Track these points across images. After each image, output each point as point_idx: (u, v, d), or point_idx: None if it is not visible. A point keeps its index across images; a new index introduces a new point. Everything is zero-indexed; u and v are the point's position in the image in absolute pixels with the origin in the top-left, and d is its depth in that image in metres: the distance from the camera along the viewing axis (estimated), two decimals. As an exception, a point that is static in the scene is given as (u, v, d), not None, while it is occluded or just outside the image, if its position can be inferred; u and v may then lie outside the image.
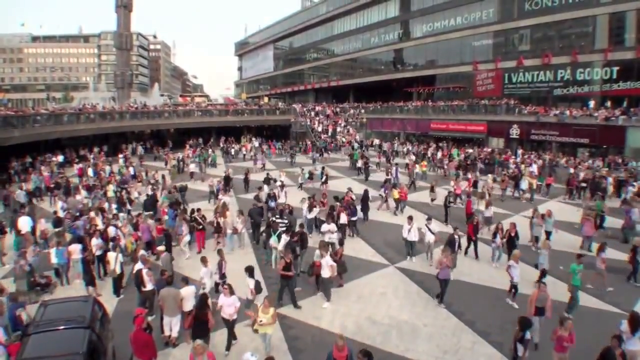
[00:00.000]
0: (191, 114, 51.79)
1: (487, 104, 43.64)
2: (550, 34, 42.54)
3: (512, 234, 14.82)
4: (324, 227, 15.34)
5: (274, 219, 15.86)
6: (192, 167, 32.10)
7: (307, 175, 28.59)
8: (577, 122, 34.72)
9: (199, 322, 9.21)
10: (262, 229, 16.70)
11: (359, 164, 33.68)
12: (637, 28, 36.04)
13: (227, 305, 9.83)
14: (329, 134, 52.42)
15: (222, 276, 12.37)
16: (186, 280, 10.70)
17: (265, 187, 22.92)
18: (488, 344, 10.26)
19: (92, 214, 17.96)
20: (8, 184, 27.22)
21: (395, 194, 22.19)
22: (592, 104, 36.98)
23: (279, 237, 14.29)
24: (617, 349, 8.17)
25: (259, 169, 34.14)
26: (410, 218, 15.45)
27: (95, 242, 14.04)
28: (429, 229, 15.20)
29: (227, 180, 25.81)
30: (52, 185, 25.42)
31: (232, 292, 9.93)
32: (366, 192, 20.63)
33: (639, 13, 35.61)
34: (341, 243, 14.15)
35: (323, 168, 28.49)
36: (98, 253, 13.79)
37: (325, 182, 26.39)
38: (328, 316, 11.66)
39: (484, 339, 10.40)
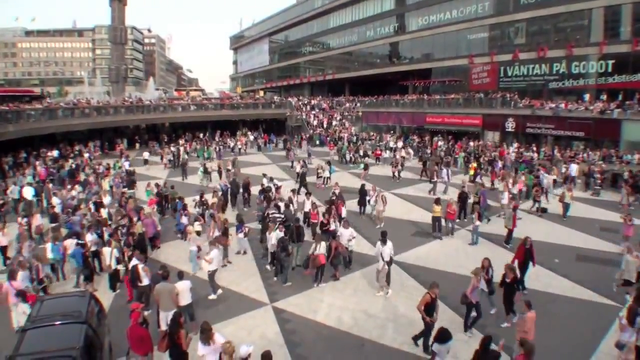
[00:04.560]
0: (186, 108, 51.59)
1: (483, 97, 43.62)
2: (546, 27, 42.48)
3: (509, 280, 10.72)
4: (344, 232, 14.18)
5: (272, 213, 15.89)
6: (146, 155, 35.57)
7: (362, 166, 29.51)
8: (572, 116, 34.80)
9: (174, 345, 8.22)
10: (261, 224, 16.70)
11: (347, 157, 35.87)
12: (632, 21, 36.01)
13: (210, 353, 8.04)
14: (324, 127, 52.44)
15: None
16: (181, 275, 10.70)
17: (265, 180, 22.90)
18: (484, 336, 10.32)
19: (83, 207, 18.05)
20: (2, 179, 27.12)
21: (438, 210, 17.19)
22: (587, 97, 36.99)
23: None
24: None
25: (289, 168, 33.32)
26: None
27: (90, 237, 14.03)
28: (381, 254, 12.21)
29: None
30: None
31: (210, 337, 7.98)
32: (363, 186, 20.66)
33: (634, 6, 35.54)
34: (334, 236, 14.14)
35: (329, 163, 28.70)
36: (93, 249, 13.77)
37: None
38: (324, 310, 11.70)
39: (480, 332, 10.44)
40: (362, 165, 29.71)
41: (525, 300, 9.13)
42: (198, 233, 15.16)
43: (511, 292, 10.78)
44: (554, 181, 24.89)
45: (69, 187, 23.06)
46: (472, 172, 27.35)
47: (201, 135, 48.86)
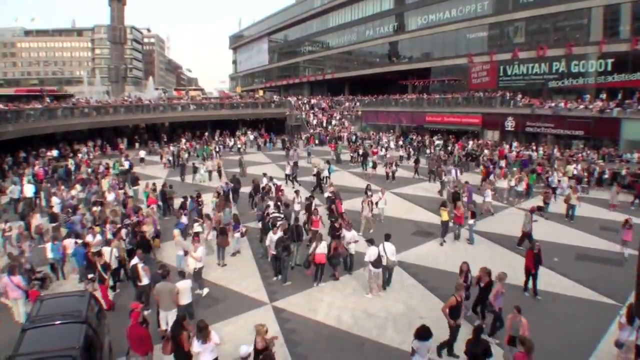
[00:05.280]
0: (186, 107, 51.60)
1: (482, 96, 43.65)
2: (545, 26, 42.50)
3: (483, 284, 10.49)
4: (346, 234, 13.98)
5: (273, 213, 15.87)
6: (142, 154, 35.31)
7: (370, 165, 29.69)
8: (572, 114, 34.81)
9: (178, 348, 8.24)
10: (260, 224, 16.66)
11: (342, 157, 36.06)
12: (631, 20, 36.06)
13: (206, 351, 8.05)
14: (323, 126, 52.47)
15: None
16: (182, 274, 10.71)
17: (264, 180, 22.90)
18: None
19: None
20: (2, 179, 27.11)
21: (445, 214, 16.62)
22: (587, 98, 36.94)
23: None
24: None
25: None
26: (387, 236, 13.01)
27: (91, 238, 13.98)
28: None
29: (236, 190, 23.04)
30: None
31: (207, 335, 8.02)
32: (368, 186, 20.48)
33: (633, 5, 35.61)
34: (335, 237, 14.09)
35: (329, 163, 28.72)
36: (95, 249, 13.69)
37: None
38: (324, 309, 11.70)
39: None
40: (370, 165, 29.77)
41: (516, 305, 9.05)
42: (197, 234, 14.90)
43: (484, 297, 10.50)
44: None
45: (62, 187, 22.95)
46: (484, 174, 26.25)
47: (206, 134, 49.06)
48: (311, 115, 56.12)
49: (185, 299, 10.20)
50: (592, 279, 13.34)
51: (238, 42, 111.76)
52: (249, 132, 50.74)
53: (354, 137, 46.36)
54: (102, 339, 8.76)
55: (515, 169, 26.81)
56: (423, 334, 8.17)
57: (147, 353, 8.58)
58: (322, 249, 12.73)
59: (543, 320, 10.80)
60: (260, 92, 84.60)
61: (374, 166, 29.52)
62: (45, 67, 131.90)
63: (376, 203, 18.94)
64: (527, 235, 15.74)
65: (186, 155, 33.85)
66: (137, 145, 44.02)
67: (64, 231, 15.86)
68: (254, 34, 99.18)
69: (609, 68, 36.84)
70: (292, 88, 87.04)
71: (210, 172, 28.88)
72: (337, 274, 13.49)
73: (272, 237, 13.30)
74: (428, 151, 38.19)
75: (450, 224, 17.02)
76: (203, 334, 7.92)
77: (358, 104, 59.44)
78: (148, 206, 19.09)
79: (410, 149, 38.23)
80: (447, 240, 16.90)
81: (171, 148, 37.13)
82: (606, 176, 26.15)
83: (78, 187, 22.96)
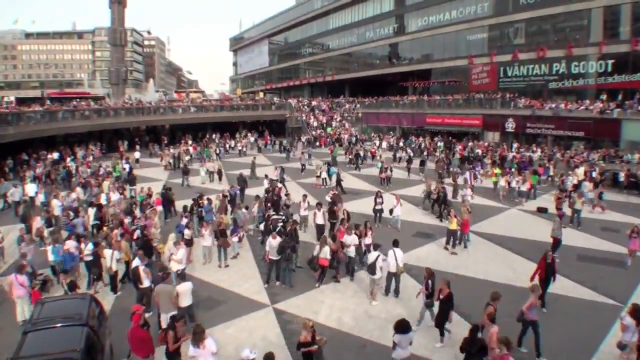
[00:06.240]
0: (186, 109, 51.66)
1: (483, 97, 43.66)
2: (545, 28, 42.53)
3: (443, 296, 9.89)
4: (347, 239, 13.66)
5: (273, 215, 15.85)
6: (137, 155, 35.95)
7: (379, 165, 29.34)
8: (572, 115, 34.82)
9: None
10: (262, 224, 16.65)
11: (339, 159, 35.78)
12: (631, 21, 36.07)
13: (201, 357, 7.94)
14: (324, 128, 52.52)
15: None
16: (183, 277, 10.70)
17: (265, 182, 22.89)
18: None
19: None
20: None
21: (454, 222, 15.77)
22: (587, 102, 36.89)
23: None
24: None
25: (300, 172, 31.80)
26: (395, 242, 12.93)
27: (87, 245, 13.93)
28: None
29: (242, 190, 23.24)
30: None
31: (200, 340, 7.93)
32: (378, 193, 20.19)
33: (633, 6, 35.63)
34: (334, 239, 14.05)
35: (328, 164, 28.64)
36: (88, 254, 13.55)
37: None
38: (325, 311, 11.69)
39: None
40: (379, 165, 29.45)
41: (489, 312, 8.94)
42: (188, 242, 14.45)
43: (445, 310, 9.94)
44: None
45: (57, 190, 22.87)
46: (494, 178, 25.21)
47: (213, 135, 49.30)
48: (312, 117, 56.15)
49: (185, 301, 10.18)
50: (593, 280, 13.33)
51: (238, 44, 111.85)
52: (249, 135, 50.77)
53: (353, 139, 46.35)
54: (103, 341, 8.76)
55: (513, 170, 26.81)
56: (403, 327, 8.30)
57: (148, 355, 8.58)
58: (325, 254, 12.74)
59: (544, 321, 10.77)
60: (261, 94, 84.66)
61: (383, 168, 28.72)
62: (46, 69, 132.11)
63: (390, 210, 18.51)
64: (557, 242, 15.13)
65: (187, 158, 33.88)
66: (137, 147, 44.05)
67: (64, 234, 15.86)
68: (255, 36, 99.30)
69: (609, 69, 36.86)
70: (292, 90, 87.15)
71: (211, 174, 28.87)
72: (339, 276, 13.48)
73: (272, 242, 13.06)
74: (426, 153, 37.87)
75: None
76: (196, 337, 7.89)
77: (358, 105, 59.49)
78: (150, 207, 18.95)
79: (409, 150, 38.07)
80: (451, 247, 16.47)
81: (172, 150, 37.12)
82: (621, 179, 25.94)
83: (79, 189, 22.96)
